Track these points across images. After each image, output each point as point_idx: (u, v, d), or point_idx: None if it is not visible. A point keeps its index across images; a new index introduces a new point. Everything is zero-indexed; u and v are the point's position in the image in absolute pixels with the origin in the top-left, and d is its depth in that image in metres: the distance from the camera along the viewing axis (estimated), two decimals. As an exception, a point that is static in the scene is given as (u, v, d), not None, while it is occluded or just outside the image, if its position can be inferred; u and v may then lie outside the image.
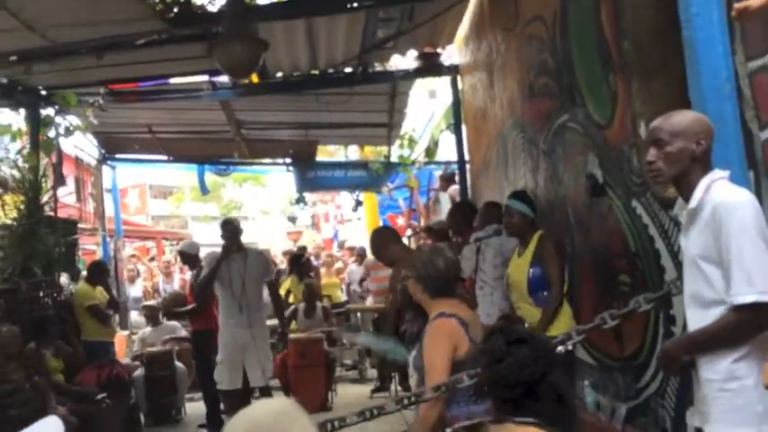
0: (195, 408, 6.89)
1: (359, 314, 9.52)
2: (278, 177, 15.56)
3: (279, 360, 7.04)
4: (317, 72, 7.04)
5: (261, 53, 4.74)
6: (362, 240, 14.53)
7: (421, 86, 10.06)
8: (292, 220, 23.12)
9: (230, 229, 5.52)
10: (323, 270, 10.54)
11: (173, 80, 7.06)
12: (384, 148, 10.45)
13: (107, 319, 6.82)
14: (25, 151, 6.76)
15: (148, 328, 7.89)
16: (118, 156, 9.89)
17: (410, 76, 7.41)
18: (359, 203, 11.80)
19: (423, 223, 11.16)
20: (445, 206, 12.18)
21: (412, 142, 9.49)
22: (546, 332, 3.87)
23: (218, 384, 5.66)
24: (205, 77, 6.94)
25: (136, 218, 21.56)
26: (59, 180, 7.18)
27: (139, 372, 7.19)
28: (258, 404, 1.48)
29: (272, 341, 6.61)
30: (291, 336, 7.64)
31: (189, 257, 7.07)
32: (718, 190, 2.14)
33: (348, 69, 7.09)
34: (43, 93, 6.77)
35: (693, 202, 2.18)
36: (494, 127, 6.14)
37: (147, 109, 7.96)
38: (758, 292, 1.99)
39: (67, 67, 5.89)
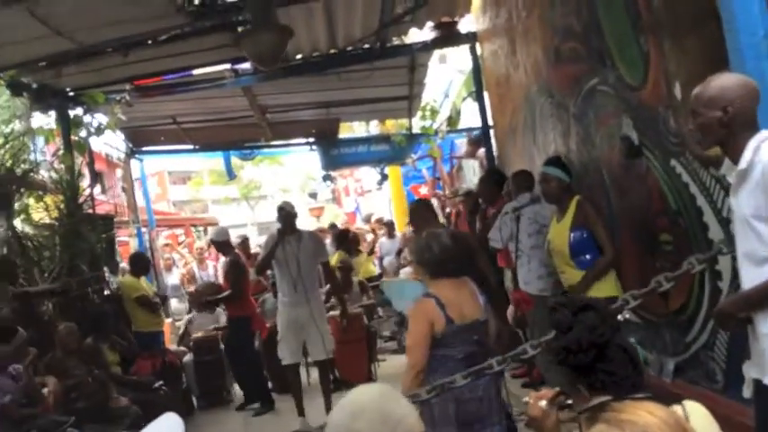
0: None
1: (393, 286, 9.64)
2: (295, 155, 15.61)
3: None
4: (336, 51, 7.07)
5: (287, 40, 4.80)
6: (386, 212, 14.68)
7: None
8: (313, 196, 23.28)
9: (283, 214, 5.77)
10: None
11: (196, 71, 7.13)
12: (405, 121, 10.47)
13: (156, 309, 7.02)
14: (60, 153, 6.90)
15: (193, 313, 8.09)
16: (144, 148, 10.02)
17: (428, 47, 7.41)
18: (384, 177, 11.86)
19: (447, 191, 11.22)
20: (468, 173, 12.23)
21: (434, 112, 9.49)
22: (587, 292, 3.95)
23: (282, 360, 5.94)
24: (227, 66, 7.00)
25: (158, 205, 21.81)
26: (94, 178, 7.33)
27: (188, 357, 7.41)
28: (361, 389, 1.56)
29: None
30: (331, 313, 7.82)
31: (220, 245, 7.24)
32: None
33: (367, 45, 7.10)
34: (71, 94, 6.88)
35: (743, 164, 2.23)
36: (518, 93, 6.15)
37: (171, 101, 8.05)
38: None
39: (95, 67, 6.00)
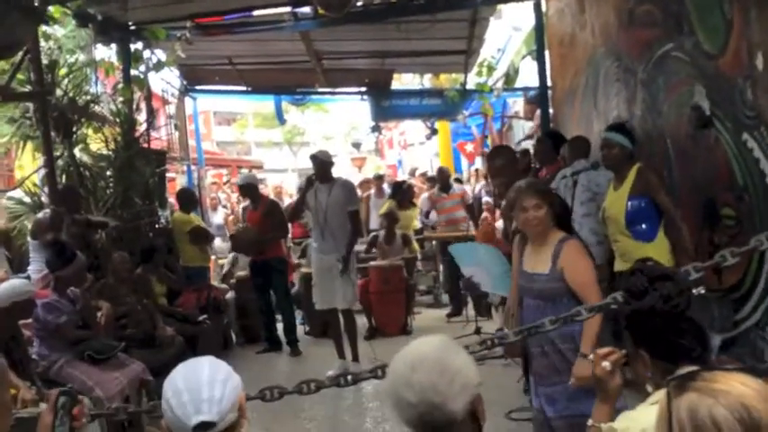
0: (280, 328, 7.29)
1: (434, 241, 9.67)
2: (341, 103, 15.53)
3: (361, 286, 7.30)
4: (396, 0, 6.96)
5: (355, -14, 4.73)
6: (428, 167, 14.59)
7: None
8: (356, 146, 23.14)
9: (317, 162, 5.89)
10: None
11: (256, 12, 7.11)
12: (459, 76, 10.31)
13: (208, 241, 7.20)
14: (119, 86, 7.00)
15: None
16: (198, 87, 10.10)
17: (492, 1, 7.24)
18: (434, 132, 11.76)
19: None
20: (518, 133, 12.04)
21: (490, 69, 9.32)
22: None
23: (315, 305, 6.07)
24: (287, 9, 6.95)
25: (203, 144, 21.98)
26: (151, 113, 7.45)
27: (230, 295, 7.60)
28: (422, 339, 1.57)
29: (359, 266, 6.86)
30: (373, 263, 7.89)
31: (247, 188, 7.22)
32: None
33: (429, -5, 6.97)
34: (133, 28, 6.94)
35: None
36: (583, 54, 5.99)
37: (229, 41, 8.07)
38: None
39: (158, 2, 6.04)
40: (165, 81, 8.88)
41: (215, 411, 1.57)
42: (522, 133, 11.23)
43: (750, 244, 2.64)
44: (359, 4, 6.99)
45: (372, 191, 10.54)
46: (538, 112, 8.13)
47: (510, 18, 10.67)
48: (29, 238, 5.25)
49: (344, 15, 6.85)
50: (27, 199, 6.14)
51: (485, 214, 8.57)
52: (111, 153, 6.77)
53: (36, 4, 5.07)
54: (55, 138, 5.85)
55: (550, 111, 7.43)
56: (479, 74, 9.38)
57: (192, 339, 5.81)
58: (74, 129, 6.20)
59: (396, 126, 18.41)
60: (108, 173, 6.72)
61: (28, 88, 5.69)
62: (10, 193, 6.48)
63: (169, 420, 1.59)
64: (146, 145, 7.22)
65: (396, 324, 7.62)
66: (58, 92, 6.06)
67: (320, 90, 10.54)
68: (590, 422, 1.84)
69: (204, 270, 7.33)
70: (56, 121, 5.83)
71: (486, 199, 9.10)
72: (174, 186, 10.45)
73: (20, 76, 5.64)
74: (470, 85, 9.99)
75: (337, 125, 31.44)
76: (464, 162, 14.12)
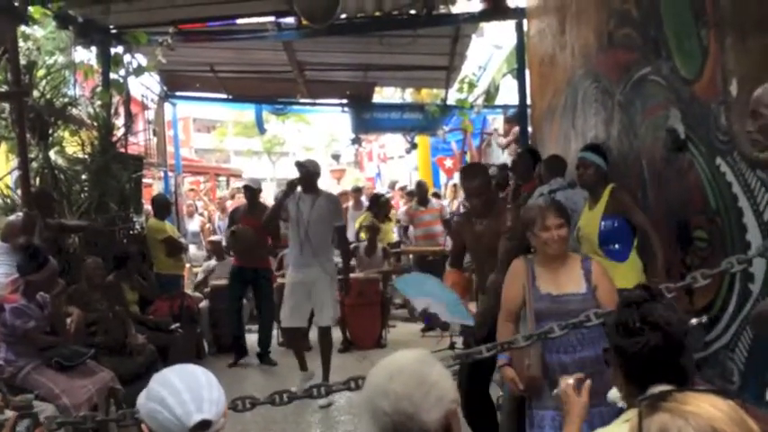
0: (254, 338, 7.23)
1: (410, 255, 9.68)
2: (321, 115, 15.53)
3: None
4: (381, 14, 7.00)
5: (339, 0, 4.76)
6: (407, 181, 14.64)
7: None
8: (336, 157, 23.16)
9: (303, 171, 5.59)
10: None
11: (239, 21, 7.11)
12: (440, 92, 10.39)
13: (182, 250, 7.12)
14: (98, 90, 6.94)
15: (213, 261, 8.19)
16: (178, 93, 10.05)
17: (475, 19, 7.31)
18: (414, 146, 11.82)
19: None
20: (496, 150, 12.14)
21: (471, 86, 9.40)
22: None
23: (281, 322, 5.88)
24: (271, 18, 6.97)
25: (181, 151, 21.79)
26: (129, 118, 7.38)
27: (204, 304, 7.53)
28: (400, 352, 1.59)
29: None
30: (351, 275, 7.87)
31: (256, 192, 7.19)
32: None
33: (413, 11, 7.02)
34: (114, 31, 6.90)
35: None
36: (562, 74, 6.07)
37: (211, 48, 8.06)
38: None
39: (141, 7, 6.01)
40: (145, 86, 8.82)
41: (214, 412, 1.61)
42: (501, 151, 11.32)
43: (721, 266, 2.71)
44: (342, 16, 7.01)
45: (351, 203, 10.55)
46: (515, 129, 8.21)
47: (492, 36, 10.79)
48: (-1, 241, 5.15)
49: (328, 27, 6.88)
50: (-1, 201, 6.04)
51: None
52: (87, 157, 6.69)
53: (16, 4, 5.02)
54: (30, 139, 5.75)
55: (529, 129, 7.51)
56: (460, 90, 9.47)
57: (163, 348, 5.74)
58: (50, 131, 6.13)
59: (376, 139, 18.47)
60: (83, 177, 6.63)
61: (5, 88, 5.61)
62: (-19, 195, 6.36)
63: (162, 422, 1.58)
64: (123, 150, 7.16)
65: (370, 337, 7.61)
66: (36, 93, 5.99)
67: (301, 101, 10.55)
68: None
69: (178, 278, 7.27)
70: (32, 122, 5.75)
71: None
72: (151, 192, 10.35)
73: (-3, 75, 5.57)
74: (451, 101, 10.08)
75: (318, 136, 31.45)
76: (443, 177, 14.21)
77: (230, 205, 11.02)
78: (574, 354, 2.90)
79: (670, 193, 4.11)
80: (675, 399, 1.17)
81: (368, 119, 10.38)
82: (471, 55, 9.10)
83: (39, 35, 6.50)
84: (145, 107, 8.88)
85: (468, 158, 11.98)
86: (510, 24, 7.60)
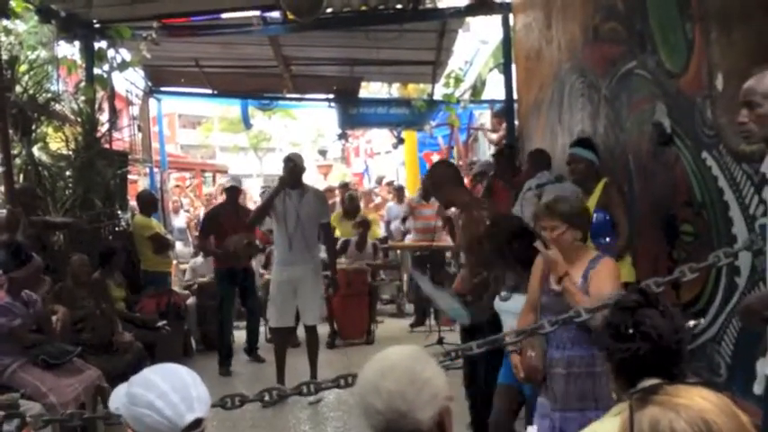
0: (242, 335, 7.21)
1: (398, 251, 9.68)
2: (308, 110, 15.49)
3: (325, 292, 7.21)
4: (367, 8, 6.97)
5: (325, -7, 4.73)
6: (394, 176, 14.65)
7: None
8: (323, 153, 23.09)
9: (290, 165, 5.47)
10: (362, 206, 10.61)
11: (224, 15, 7.06)
12: (426, 87, 10.38)
13: (169, 247, 7.05)
14: (81, 85, 6.86)
15: (200, 259, 8.13)
16: (163, 88, 9.96)
17: (461, 13, 7.30)
18: (401, 141, 11.81)
19: (459, 161, 11.17)
20: (483, 145, 12.15)
21: (458, 81, 9.39)
22: None
23: (269, 321, 5.83)
24: (256, 13, 6.92)
25: (167, 147, 21.64)
26: (113, 113, 7.31)
27: (191, 300, 7.48)
28: (392, 349, 1.57)
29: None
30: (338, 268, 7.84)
31: (239, 192, 7.17)
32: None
33: (399, 6, 7.00)
34: (98, 26, 6.82)
35: None
36: (548, 69, 6.08)
37: (196, 43, 7.99)
38: None
39: (125, 1, 5.94)
40: (130, 81, 8.73)
41: (204, 409, 1.62)
42: (487, 145, 11.33)
43: (708, 260, 2.72)
44: (329, 10, 6.98)
45: (337, 199, 10.51)
46: (505, 124, 8.23)
47: (478, 31, 10.79)
48: (-19, 238, 5.09)
49: (314, 21, 6.85)
50: (-19, 198, 5.96)
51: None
52: (71, 153, 6.62)
53: (-3, -1, 4.95)
54: (13, 136, 5.69)
55: (516, 123, 7.53)
56: (447, 85, 9.45)
57: (150, 346, 5.70)
58: (33, 127, 6.06)
59: (362, 134, 18.43)
60: (68, 173, 6.55)
61: (-14, 84, 5.54)
62: (-36, 192, 6.28)
63: (152, 425, 1.57)
64: (107, 146, 7.07)
65: (359, 330, 7.59)
66: (18, 88, 5.91)
67: (287, 96, 10.49)
68: None
69: (165, 275, 7.21)
70: (14, 118, 5.68)
71: (453, 210, 9.15)
72: (136, 189, 10.26)
73: (-22, 71, 5.49)
74: (438, 96, 10.07)
75: (304, 131, 31.35)
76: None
77: (215, 201, 10.93)
78: (563, 351, 2.91)
79: (656, 186, 4.14)
80: (666, 392, 1.17)
81: (354, 114, 10.36)
82: (458, 50, 9.10)
83: (21, 30, 6.42)
84: (129, 102, 8.78)
85: (454, 153, 11.99)
86: (496, 19, 7.59)
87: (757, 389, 2.53)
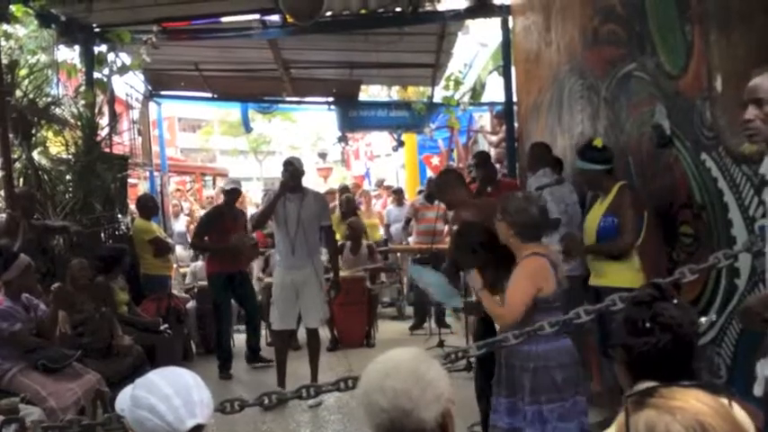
0: (242, 339, 7.20)
1: (398, 253, 9.68)
2: (308, 113, 15.47)
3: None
4: (366, 11, 6.98)
5: (325, -2, 4.74)
6: (393, 179, 14.65)
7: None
8: (323, 156, 23.08)
9: (291, 169, 5.45)
10: (362, 209, 10.60)
11: (224, 19, 7.07)
12: (426, 89, 10.39)
13: (169, 250, 7.04)
14: (81, 89, 6.87)
15: (200, 262, 8.12)
16: (163, 92, 9.97)
17: (461, 16, 7.30)
18: (401, 144, 11.81)
19: (459, 164, 11.16)
20: (483, 147, 12.13)
21: (457, 83, 9.40)
22: (608, 277, 3.97)
23: (271, 324, 5.83)
24: (256, 16, 6.93)
25: (167, 150, 21.64)
26: (113, 117, 7.32)
27: (191, 304, 7.48)
28: (396, 350, 1.57)
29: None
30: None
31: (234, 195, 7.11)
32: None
33: (398, 9, 7.01)
34: (97, 30, 6.83)
35: None
36: (548, 71, 6.08)
37: (195, 47, 8.00)
38: None
39: (125, 5, 5.96)
40: (129, 85, 8.74)
41: (206, 414, 1.60)
42: (487, 147, 11.33)
43: (708, 261, 2.72)
44: (328, 14, 7.00)
45: (336, 202, 10.49)
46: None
47: (477, 34, 10.80)
48: (-20, 243, 5.08)
49: (313, 25, 6.86)
50: (-19, 202, 5.96)
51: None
52: (71, 157, 6.63)
53: (-3, 3, 4.96)
54: (13, 140, 5.70)
55: (516, 125, 7.53)
56: (446, 88, 9.46)
57: (151, 349, 5.69)
58: (33, 131, 6.07)
59: (362, 137, 18.43)
60: (68, 177, 6.56)
61: (-14, 88, 5.55)
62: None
63: (153, 429, 1.56)
64: (107, 150, 7.08)
65: (358, 335, 7.60)
66: (18, 93, 5.92)
67: (287, 99, 10.51)
68: None
69: (166, 278, 7.20)
70: (14, 122, 5.69)
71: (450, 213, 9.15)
72: (136, 192, 10.26)
73: (-22, 75, 5.50)
74: (437, 99, 10.08)
75: (304, 135, 31.36)
76: (429, 175, 14.20)
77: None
78: (537, 345, 3.03)
79: (656, 188, 4.13)
80: (662, 394, 1.16)
81: (354, 117, 10.37)
82: (457, 52, 9.10)
83: (21, 34, 6.43)
84: (129, 106, 8.79)
85: (454, 156, 11.99)
86: (495, 22, 7.60)
87: (757, 390, 2.52)
